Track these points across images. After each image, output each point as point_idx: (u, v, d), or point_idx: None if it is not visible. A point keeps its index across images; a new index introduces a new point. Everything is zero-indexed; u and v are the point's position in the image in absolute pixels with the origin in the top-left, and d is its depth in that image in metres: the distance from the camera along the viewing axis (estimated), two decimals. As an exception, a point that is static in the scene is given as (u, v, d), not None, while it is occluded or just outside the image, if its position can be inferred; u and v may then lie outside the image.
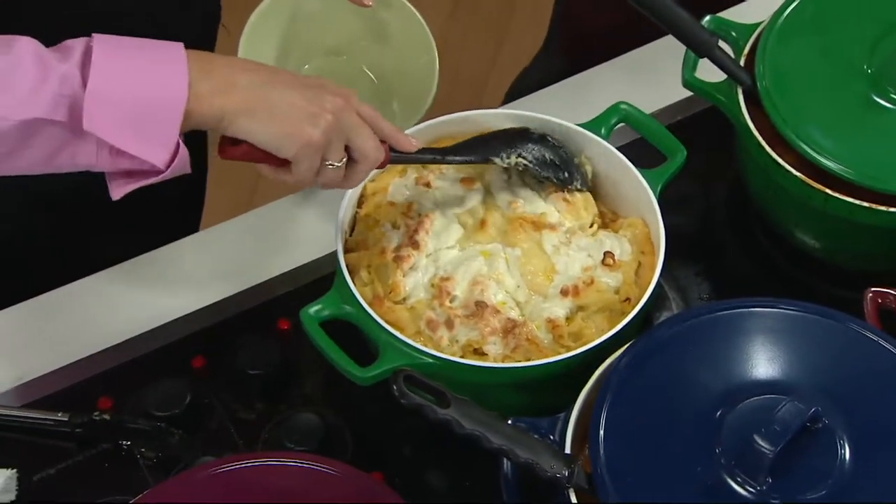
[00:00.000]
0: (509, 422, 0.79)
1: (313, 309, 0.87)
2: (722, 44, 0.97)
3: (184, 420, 0.92)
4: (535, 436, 0.79)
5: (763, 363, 0.79)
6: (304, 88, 0.80)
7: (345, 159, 0.82)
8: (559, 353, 0.87)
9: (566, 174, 0.93)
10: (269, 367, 0.94)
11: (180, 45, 0.76)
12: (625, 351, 0.82)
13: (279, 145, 0.78)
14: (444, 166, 0.95)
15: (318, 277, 1.00)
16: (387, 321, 0.87)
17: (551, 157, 0.92)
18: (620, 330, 0.86)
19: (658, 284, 0.89)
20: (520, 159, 0.91)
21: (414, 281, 0.90)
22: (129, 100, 0.73)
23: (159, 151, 0.74)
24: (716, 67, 0.96)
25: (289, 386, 0.95)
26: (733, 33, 0.99)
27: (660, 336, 0.82)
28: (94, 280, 1.00)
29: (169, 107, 0.74)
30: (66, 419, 0.92)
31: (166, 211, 1.08)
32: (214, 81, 0.76)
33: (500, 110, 0.98)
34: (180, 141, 0.75)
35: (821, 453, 0.75)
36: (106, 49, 0.73)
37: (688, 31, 0.95)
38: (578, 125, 0.97)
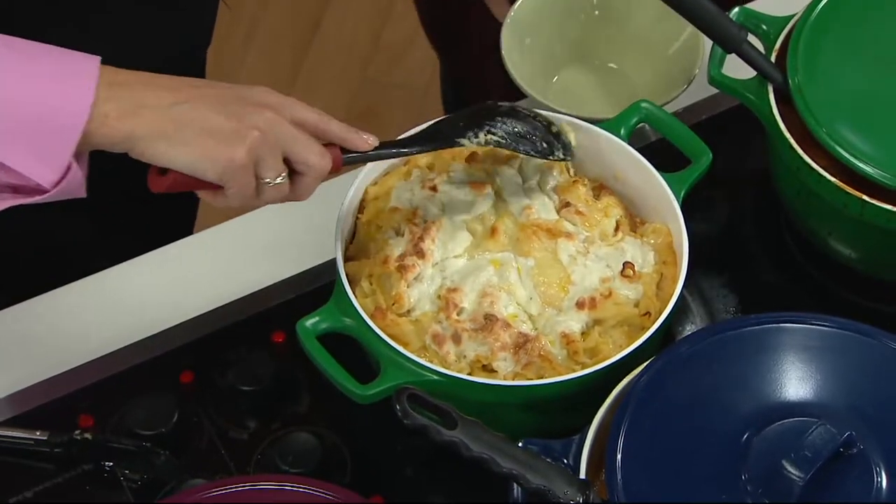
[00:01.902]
0: (520, 444, 0.79)
1: (310, 321, 0.88)
2: (751, 38, 0.97)
3: (171, 440, 0.92)
4: (548, 459, 0.79)
5: (793, 383, 0.80)
6: (225, 104, 0.78)
7: (285, 174, 0.81)
8: (574, 371, 0.87)
9: (544, 144, 0.91)
10: (262, 383, 0.94)
11: (96, 59, 0.74)
12: (644, 368, 0.82)
13: (200, 169, 0.77)
14: (451, 170, 0.95)
15: (316, 287, 1.00)
16: (389, 335, 0.88)
17: (525, 129, 0.90)
18: (640, 346, 0.86)
19: (681, 297, 0.89)
20: (489, 136, 0.89)
21: (419, 292, 0.90)
22: (23, 108, 0.71)
23: (46, 171, 0.72)
24: (744, 63, 0.96)
25: (283, 403, 0.96)
26: (764, 27, 0.99)
27: (682, 353, 0.82)
28: (75, 288, 1.01)
29: (65, 124, 0.72)
30: (44, 438, 0.92)
31: (158, 213, 1.09)
32: (123, 102, 0.74)
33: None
34: (74, 163, 0.73)
35: (855, 481, 0.75)
36: (8, 49, 0.71)
37: (715, 25, 0.95)
38: (596, 125, 0.97)
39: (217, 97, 0.78)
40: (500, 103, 0.91)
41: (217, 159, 0.77)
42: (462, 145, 0.89)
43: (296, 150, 0.81)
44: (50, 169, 0.73)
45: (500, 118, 0.90)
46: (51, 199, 0.75)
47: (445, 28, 1.37)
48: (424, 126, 0.90)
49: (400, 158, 0.96)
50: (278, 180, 0.80)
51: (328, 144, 0.84)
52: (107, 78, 0.75)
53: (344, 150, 0.85)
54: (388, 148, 0.88)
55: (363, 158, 0.86)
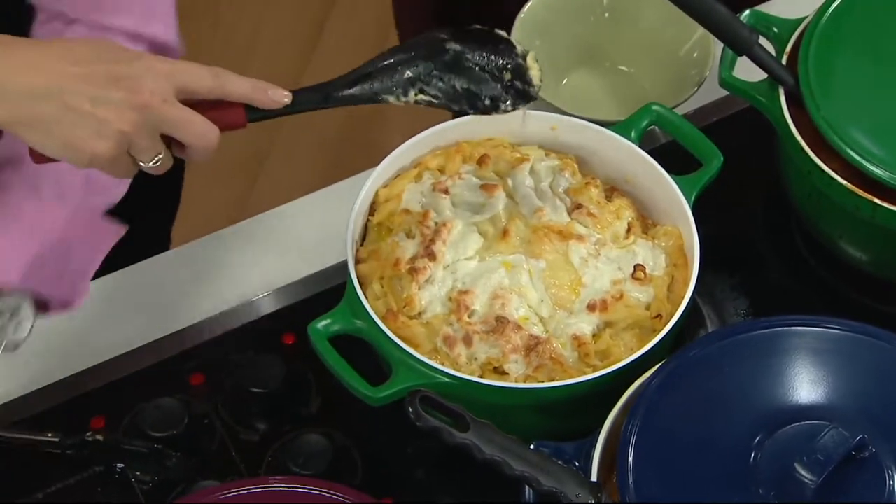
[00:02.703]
0: (531, 447, 0.80)
1: (322, 323, 0.88)
2: (762, 40, 0.97)
3: (182, 441, 0.93)
4: (559, 462, 0.80)
5: (804, 386, 0.80)
6: (96, 87, 0.73)
7: (160, 154, 0.76)
8: (585, 373, 0.87)
9: (488, 100, 0.82)
10: (272, 385, 0.95)
11: None
12: (656, 371, 0.83)
13: (68, 157, 0.74)
14: (462, 172, 0.96)
15: (326, 289, 1.01)
16: (400, 337, 0.88)
17: (465, 84, 0.80)
18: (651, 349, 0.87)
19: (692, 300, 0.90)
20: (420, 95, 0.80)
21: (430, 294, 0.91)
22: None
23: None
24: (755, 66, 0.97)
25: (294, 405, 0.96)
26: (775, 29, 1.00)
27: (693, 356, 0.83)
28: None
29: None
30: (56, 440, 0.93)
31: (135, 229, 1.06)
32: None
33: (530, 111, 0.99)
34: None
35: (867, 484, 0.76)
36: None
37: (725, 27, 0.96)
38: (608, 127, 0.98)
39: (87, 78, 0.73)
40: (446, 38, 0.81)
41: (83, 151, 0.74)
42: (386, 101, 0.80)
43: (173, 132, 0.77)
44: None
45: (443, 68, 0.80)
46: None
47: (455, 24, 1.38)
48: (358, 67, 0.81)
49: (410, 161, 0.97)
50: (155, 162, 0.77)
51: (231, 103, 0.78)
52: None
53: (248, 108, 0.79)
54: (302, 103, 0.79)
55: (273, 114, 0.79)
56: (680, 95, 1.06)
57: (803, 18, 0.99)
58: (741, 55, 0.98)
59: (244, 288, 1.01)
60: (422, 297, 0.91)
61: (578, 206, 0.94)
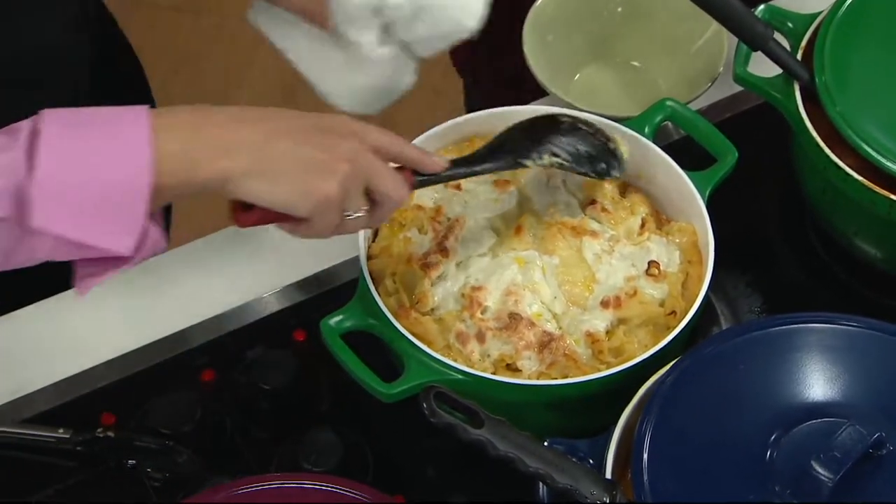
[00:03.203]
0: (545, 444, 0.80)
1: (334, 320, 0.89)
2: (777, 35, 0.97)
3: (192, 438, 0.93)
4: (574, 459, 0.80)
5: (821, 383, 0.80)
6: (312, 134, 0.78)
7: (366, 207, 0.81)
8: (599, 370, 0.87)
9: (603, 165, 0.91)
10: (283, 382, 0.95)
11: (143, 108, 0.73)
12: (670, 368, 0.83)
13: (292, 206, 0.77)
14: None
15: (338, 286, 1.01)
16: (413, 334, 0.88)
17: (586, 148, 0.90)
18: (665, 346, 0.87)
19: (706, 297, 0.90)
20: (554, 158, 0.89)
21: (443, 291, 0.91)
22: (84, 184, 0.70)
23: (122, 238, 0.71)
24: (770, 61, 0.97)
25: (305, 402, 0.97)
26: (790, 24, 1.00)
27: (708, 353, 0.83)
28: (97, 287, 1.01)
29: (131, 187, 0.71)
30: (66, 436, 0.93)
31: None
32: (212, 143, 0.74)
33: (533, 107, 1.00)
34: (147, 223, 0.73)
35: (885, 482, 0.76)
36: (56, 128, 0.70)
37: (740, 22, 0.96)
38: (621, 123, 0.98)
39: (305, 128, 0.78)
40: (560, 116, 0.91)
41: (312, 195, 0.77)
42: (527, 166, 0.89)
43: (377, 182, 0.80)
44: (127, 235, 0.72)
45: (563, 136, 0.90)
46: (135, 264, 0.74)
47: None
48: (489, 142, 0.90)
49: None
50: (360, 213, 0.81)
51: (400, 167, 0.84)
52: (185, 124, 0.74)
53: (415, 173, 0.85)
54: (457, 168, 0.87)
55: (435, 180, 0.86)
56: (694, 91, 1.06)
57: (818, 13, 0.99)
58: (756, 50, 0.98)
59: (255, 284, 1.01)
60: (434, 293, 0.91)
61: (592, 202, 0.94)
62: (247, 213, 0.79)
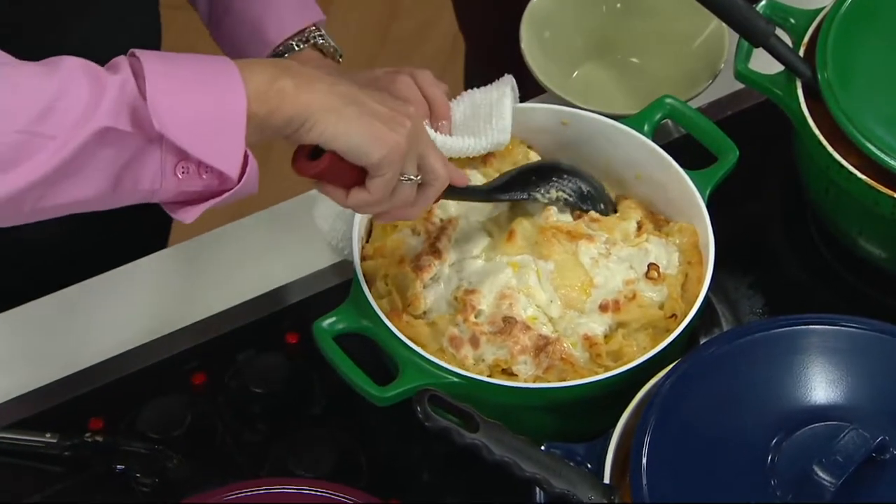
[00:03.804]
0: (542, 448, 0.80)
1: (327, 322, 0.89)
2: (779, 32, 0.98)
3: (183, 442, 0.93)
4: (571, 463, 0.80)
5: (823, 386, 0.80)
6: (377, 93, 0.82)
7: (418, 176, 0.83)
8: (596, 374, 0.87)
9: (602, 205, 0.96)
10: (275, 385, 0.95)
11: (225, 57, 0.78)
12: (669, 371, 0.83)
13: (366, 149, 0.79)
14: (467, 171, 0.96)
15: (330, 287, 1.01)
16: (405, 337, 0.88)
17: (587, 189, 0.96)
18: (665, 348, 0.87)
19: (706, 298, 0.90)
20: (560, 193, 0.95)
21: (435, 294, 0.91)
22: (189, 104, 0.74)
23: (230, 160, 0.75)
24: (772, 58, 0.97)
25: (297, 405, 0.96)
26: (792, 20, 1.00)
27: (708, 355, 0.83)
28: (85, 288, 1.01)
29: (230, 109, 0.75)
30: (54, 441, 0.93)
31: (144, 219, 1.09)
32: (298, 78, 0.77)
33: (537, 105, 1.00)
34: (249, 153, 0.77)
35: (888, 486, 0.76)
36: (153, 59, 0.75)
37: (741, 18, 0.96)
38: (619, 121, 0.98)
39: (369, 83, 0.82)
40: (562, 163, 0.97)
41: (383, 141, 0.79)
42: (536, 199, 0.95)
43: (431, 155, 0.83)
44: (234, 157, 0.75)
45: (565, 175, 0.96)
46: (235, 198, 0.77)
47: (472, 11, 1.39)
48: (501, 176, 0.95)
49: None
50: (415, 178, 0.83)
51: None
52: (269, 62, 0.78)
53: None
54: (475, 192, 0.92)
55: (453, 195, 0.89)
56: (694, 88, 1.06)
57: (821, 9, 0.99)
58: (757, 47, 0.98)
59: (247, 285, 1.01)
60: (427, 295, 0.91)
61: (579, 216, 0.95)
62: (312, 161, 0.81)
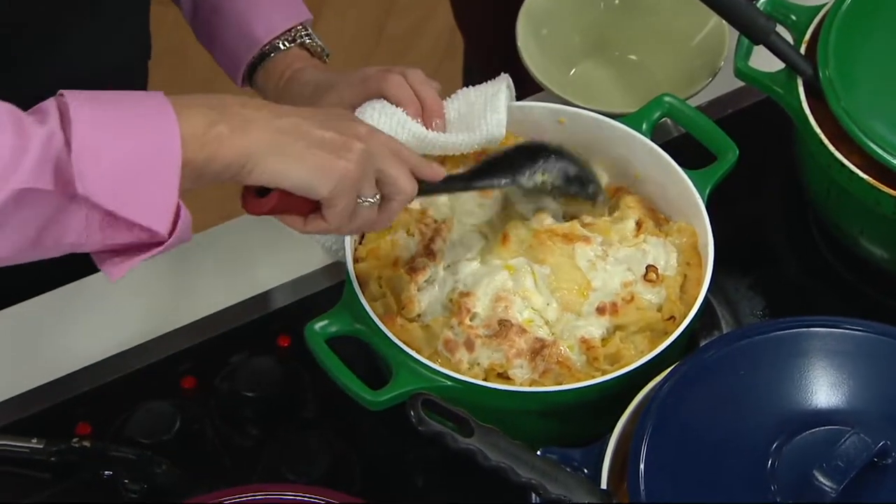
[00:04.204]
0: (538, 453, 0.80)
1: (319, 324, 0.88)
2: (780, 28, 0.98)
3: (172, 447, 0.93)
4: (568, 469, 0.80)
5: (824, 390, 0.80)
6: (326, 118, 0.80)
7: (378, 194, 0.82)
8: (594, 377, 0.87)
9: (592, 187, 0.95)
10: (267, 389, 0.95)
11: (160, 93, 0.75)
12: (668, 375, 0.83)
13: (313, 183, 0.78)
14: (460, 170, 0.96)
15: (322, 289, 1.01)
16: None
17: (574, 171, 0.94)
18: (663, 351, 0.87)
19: (705, 300, 0.90)
20: (545, 177, 0.93)
21: (429, 296, 0.91)
22: (118, 157, 0.72)
23: (159, 216, 0.73)
24: (773, 55, 0.97)
25: (289, 409, 0.96)
26: (793, 16, 1.00)
27: (707, 358, 0.83)
28: (72, 290, 1.01)
29: (162, 159, 0.72)
30: (40, 446, 0.93)
31: None
32: (233, 121, 0.75)
33: (534, 103, 1.00)
34: (182, 205, 0.74)
35: (890, 492, 0.76)
36: (82, 103, 0.72)
37: (742, 15, 0.96)
38: (617, 120, 0.98)
39: (312, 113, 0.80)
40: (548, 143, 0.95)
41: (331, 172, 0.78)
42: (521, 184, 0.93)
43: (391, 169, 0.82)
44: (164, 213, 0.73)
45: (553, 158, 0.94)
46: (166, 250, 0.75)
47: (470, 8, 1.40)
48: (482, 160, 0.94)
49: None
50: (373, 200, 0.81)
51: None
52: (203, 102, 0.75)
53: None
54: (454, 181, 0.90)
55: (431, 190, 0.88)
56: (693, 86, 1.06)
57: (823, 5, 1.00)
58: (758, 44, 0.98)
59: (237, 287, 1.01)
60: (421, 298, 0.91)
61: (573, 216, 0.94)
62: (261, 199, 0.80)
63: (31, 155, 0.70)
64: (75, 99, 0.72)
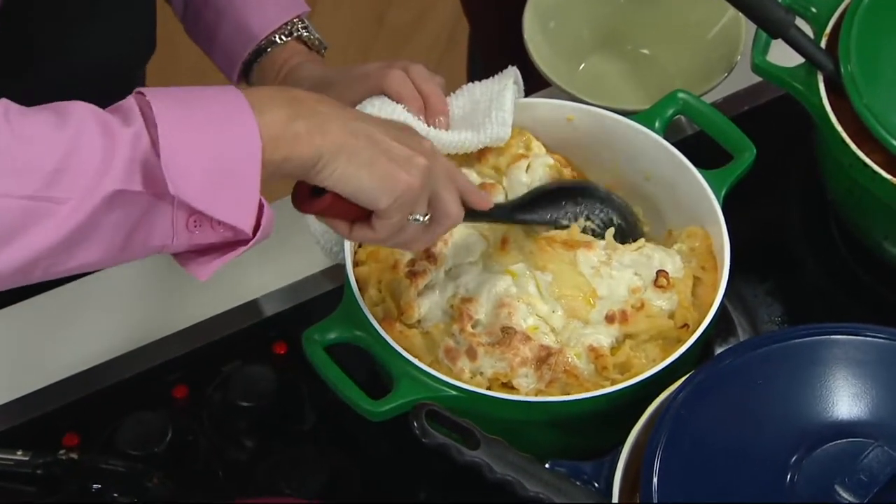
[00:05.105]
0: (546, 466, 0.80)
1: (318, 332, 0.89)
2: (799, 21, 0.98)
3: (163, 460, 0.93)
4: (577, 482, 0.80)
5: (846, 401, 0.80)
6: (391, 128, 0.81)
7: (427, 216, 0.82)
8: (603, 387, 0.87)
9: (632, 240, 0.96)
10: (262, 398, 0.95)
11: (234, 89, 0.77)
12: (683, 384, 0.83)
13: (377, 193, 0.78)
14: (464, 168, 0.96)
15: (320, 294, 1.01)
16: (398, 348, 0.88)
17: (619, 222, 0.96)
18: (676, 360, 0.87)
19: (721, 306, 0.90)
20: (588, 222, 0.95)
21: (430, 302, 0.91)
22: (203, 157, 0.73)
23: (244, 214, 0.74)
24: (792, 49, 0.97)
25: (286, 420, 0.97)
26: (813, 9, 1.00)
27: (723, 367, 0.83)
28: (59, 294, 1.02)
29: (244, 157, 0.74)
30: (26, 459, 0.93)
31: None
32: (310, 119, 0.76)
33: (541, 100, 1.00)
34: (263, 201, 0.76)
35: (914, 508, 0.76)
36: (165, 103, 0.74)
37: (759, 7, 0.96)
38: (629, 117, 0.98)
39: (380, 122, 0.81)
40: (597, 187, 0.97)
41: (395, 184, 0.79)
42: (563, 225, 0.94)
43: (445, 193, 0.83)
44: (248, 211, 0.75)
45: (598, 203, 0.96)
46: (251, 247, 0.77)
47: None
48: (527, 193, 0.95)
49: None
50: (423, 220, 0.82)
51: None
52: (284, 98, 0.77)
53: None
54: (498, 212, 0.91)
55: (474, 217, 0.88)
56: (708, 82, 1.06)
57: (844, -2, 1.00)
58: (776, 38, 0.98)
59: (232, 292, 1.02)
60: (421, 304, 0.91)
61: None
62: (314, 199, 0.80)
63: (121, 156, 0.72)
64: (157, 98, 0.74)
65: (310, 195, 0.80)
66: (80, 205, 0.71)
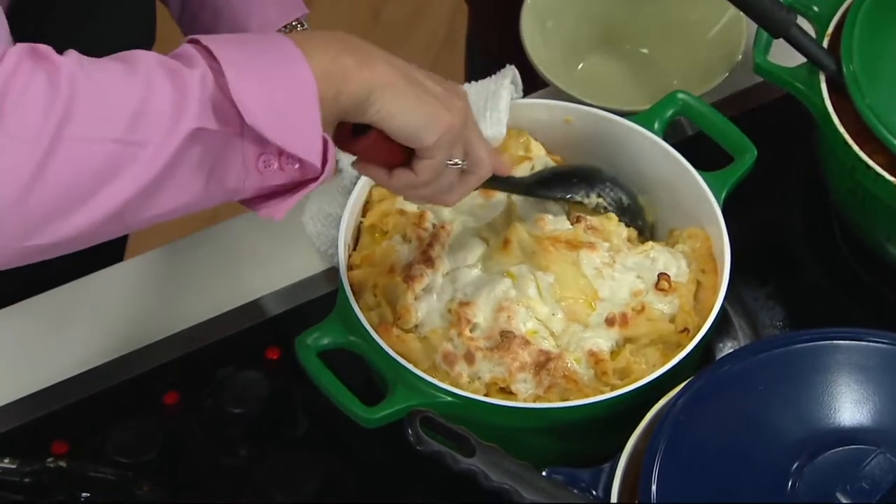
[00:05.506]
0: (544, 473, 0.80)
1: (311, 337, 0.89)
2: (801, 21, 0.98)
3: (154, 467, 0.93)
4: (575, 490, 0.80)
5: (848, 407, 0.81)
6: (430, 74, 0.83)
7: (463, 162, 0.84)
8: (602, 393, 0.87)
9: (641, 222, 0.97)
10: (255, 405, 0.95)
11: (277, 34, 0.80)
12: (682, 389, 0.83)
13: (423, 129, 0.80)
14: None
15: (314, 298, 1.01)
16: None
17: (627, 201, 0.97)
18: (676, 365, 0.87)
19: (722, 310, 0.90)
20: (600, 199, 0.97)
21: (427, 306, 0.91)
22: (267, 92, 0.76)
23: (312, 147, 0.76)
24: (793, 49, 0.97)
25: (279, 426, 0.97)
26: (815, 8, 1.00)
27: (724, 372, 0.83)
28: (47, 299, 1.01)
29: (302, 93, 0.76)
30: (13, 466, 0.93)
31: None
32: (356, 54, 0.79)
33: (538, 100, 1.00)
34: (327, 137, 0.78)
35: (917, 516, 0.76)
36: (224, 45, 0.76)
37: (760, 6, 0.96)
38: (627, 118, 0.98)
39: (416, 66, 0.83)
40: (604, 170, 0.98)
41: (439, 121, 0.80)
42: (576, 200, 0.96)
43: (477, 141, 0.85)
44: (314, 145, 0.76)
45: (608, 183, 0.97)
46: (320, 183, 0.79)
47: None
48: (537, 171, 0.97)
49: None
50: (461, 163, 0.84)
51: None
52: (329, 36, 0.79)
53: None
54: (516, 182, 0.94)
55: (491, 184, 0.90)
56: (708, 82, 1.06)
57: (846, -3, 1.00)
58: (777, 37, 0.98)
59: (223, 296, 1.02)
60: (418, 308, 0.91)
61: (578, 220, 0.95)
62: (357, 138, 0.81)
63: (193, 97, 0.74)
64: (214, 42, 0.76)
65: (352, 135, 0.81)
66: (162, 147, 0.73)
